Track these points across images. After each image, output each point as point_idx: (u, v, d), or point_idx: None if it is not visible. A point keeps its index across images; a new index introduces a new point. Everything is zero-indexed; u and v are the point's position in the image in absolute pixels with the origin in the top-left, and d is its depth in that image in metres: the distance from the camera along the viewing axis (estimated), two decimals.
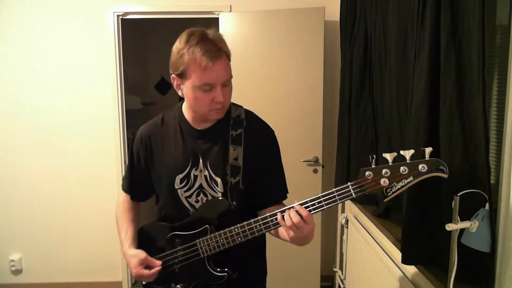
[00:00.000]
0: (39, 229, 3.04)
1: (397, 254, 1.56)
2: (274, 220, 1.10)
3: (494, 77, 1.31)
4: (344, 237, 2.55)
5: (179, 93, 1.21)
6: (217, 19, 2.76)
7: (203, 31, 1.12)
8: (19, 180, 3.00)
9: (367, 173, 1.01)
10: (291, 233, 1.05)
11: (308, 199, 1.06)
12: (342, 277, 2.63)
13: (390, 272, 1.67)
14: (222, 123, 1.25)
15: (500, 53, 1.28)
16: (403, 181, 0.99)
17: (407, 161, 0.98)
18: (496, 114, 1.31)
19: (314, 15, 2.62)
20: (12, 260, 3.06)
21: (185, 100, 1.22)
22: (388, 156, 1.00)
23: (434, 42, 1.24)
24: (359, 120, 2.13)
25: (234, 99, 1.34)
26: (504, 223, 1.06)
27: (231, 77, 1.17)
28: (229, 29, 2.71)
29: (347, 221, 2.47)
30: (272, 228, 1.12)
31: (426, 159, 0.97)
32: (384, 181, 1.00)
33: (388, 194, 1.01)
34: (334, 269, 2.82)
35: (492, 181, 1.16)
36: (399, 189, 1.00)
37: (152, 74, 4.83)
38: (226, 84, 1.15)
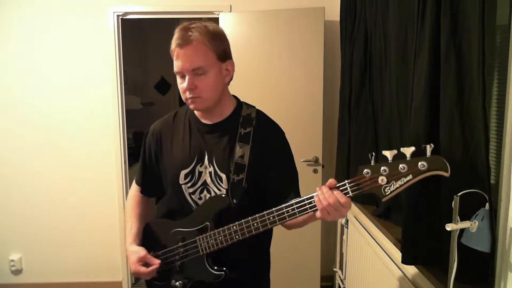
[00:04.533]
0: (39, 229, 3.04)
1: (397, 254, 1.56)
2: (271, 218, 1.08)
3: (494, 77, 1.32)
4: (344, 237, 2.55)
5: None
6: (217, 19, 2.76)
7: (190, 22, 1.14)
8: (19, 180, 3.00)
9: (365, 170, 0.97)
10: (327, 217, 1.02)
11: (305, 197, 1.06)
12: (342, 277, 2.63)
13: (390, 272, 1.67)
14: (232, 120, 1.24)
15: (500, 53, 1.28)
16: (402, 179, 0.94)
17: (407, 159, 0.94)
18: (496, 114, 1.32)
19: (314, 15, 2.62)
20: (12, 260, 3.05)
21: None
22: (388, 154, 0.95)
23: (434, 42, 1.24)
24: (359, 120, 2.13)
25: None
26: (504, 223, 1.06)
27: (206, 65, 1.12)
28: (229, 29, 2.70)
29: (347, 221, 2.47)
30: (269, 226, 1.10)
31: (427, 156, 0.92)
32: (382, 179, 0.95)
33: (386, 194, 0.96)
34: (334, 269, 2.81)
35: (492, 181, 1.16)
36: (397, 188, 0.95)
37: (152, 74, 4.83)
38: (200, 73, 1.12)
